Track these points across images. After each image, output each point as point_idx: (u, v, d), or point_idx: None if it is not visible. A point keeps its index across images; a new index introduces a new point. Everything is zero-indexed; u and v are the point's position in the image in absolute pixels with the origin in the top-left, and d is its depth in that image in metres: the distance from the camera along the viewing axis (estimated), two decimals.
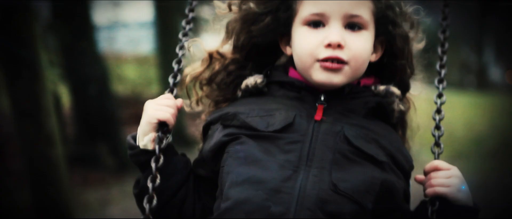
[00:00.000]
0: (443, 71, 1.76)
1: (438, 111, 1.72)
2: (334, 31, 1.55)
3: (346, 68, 1.56)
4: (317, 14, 1.58)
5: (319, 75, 1.57)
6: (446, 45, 1.78)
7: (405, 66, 1.67)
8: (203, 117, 1.81)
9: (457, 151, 9.49)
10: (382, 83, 1.66)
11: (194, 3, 1.85)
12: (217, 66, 1.74)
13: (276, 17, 1.64)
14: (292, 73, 1.65)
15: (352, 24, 1.58)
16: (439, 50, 1.78)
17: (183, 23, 1.84)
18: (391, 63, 1.67)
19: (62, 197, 5.54)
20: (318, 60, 1.56)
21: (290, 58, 1.67)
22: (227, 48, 1.74)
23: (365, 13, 1.59)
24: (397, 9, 1.64)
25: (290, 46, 1.66)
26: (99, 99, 8.81)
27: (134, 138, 1.68)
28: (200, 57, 1.80)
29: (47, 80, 5.87)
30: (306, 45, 1.58)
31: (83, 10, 8.85)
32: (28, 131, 5.30)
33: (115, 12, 14.69)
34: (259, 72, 1.70)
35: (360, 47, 1.57)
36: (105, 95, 8.95)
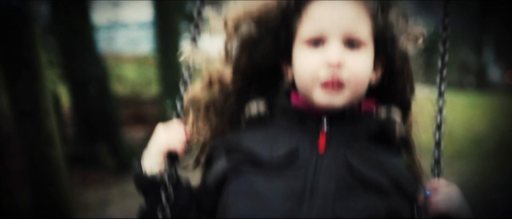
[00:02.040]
0: (444, 71, 1.74)
1: (440, 111, 1.70)
2: (334, 50, 1.54)
3: (346, 89, 1.55)
4: (316, 33, 1.56)
5: (321, 97, 1.55)
6: (447, 43, 1.76)
7: (405, 85, 1.66)
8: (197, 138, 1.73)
9: (457, 151, 9.50)
10: (383, 103, 1.65)
11: (200, 19, 1.79)
12: (216, 88, 1.68)
13: (277, 39, 1.62)
14: (294, 98, 1.63)
15: (352, 42, 1.56)
16: (441, 48, 1.76)
17: (190, 40, 1.77)
18: (391, 83, 1.66)
19: (62, 197, 5.55)
20: (319, 82, 1.55)
21: (292, 79, 1.64)
22: (226, 69, 1.68)
23: (364, 31, 1.57)
24: (396, 27, 1.62)
25: (291, 67, 1.64)
26: (98, 100, 8.82)
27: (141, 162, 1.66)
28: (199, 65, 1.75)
29: (46, 80, 5.87)
30: (306, 66, 1.57)
31: (82, 10, 8.86)
32: (28, 131, 5.31)
33: (115, 12, 14.70)
34: (261, 95, 1.66)
35: (359, 66, 1.56)
36: (104, 95, 8.96)
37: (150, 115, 11.54)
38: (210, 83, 1.68)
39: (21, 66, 5.26)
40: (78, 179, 7.57)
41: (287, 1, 1.61)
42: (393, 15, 1.61)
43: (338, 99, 1.55)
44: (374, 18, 1.59)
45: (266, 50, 1.62)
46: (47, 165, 5.42)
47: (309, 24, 1.58)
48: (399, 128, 1.61)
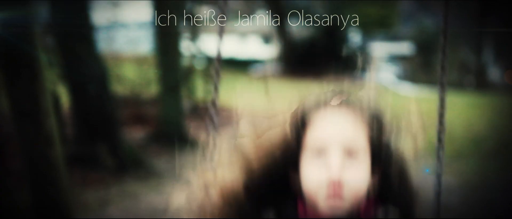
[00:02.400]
0: (445, 64, 1.76)
1: (442, 102, 1.73)
2: (334, 164, 1.63)
3: (347, 199, 1.64)
4: (319, 144, 1.66)
5: (324, 208, 1.65)
6: (448, 38, 1.78)
7: (404, 193, 1.72)
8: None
9: (456, 151, 9.51)
10: (383, 202, 1.71)
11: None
12: (229, 199, 1.75)
13: (287, 156, 1.73)
14: (300, 209, 1.73)
15: (351, 152, 1.66)
16: (442, 41, 1.78)
17: (212, 95, 1.86)
18: (388, 189, 1.73)
19: (62, 197, 5.55)
20: (323, 195, 1.64)
21: (299, 186, 1.72)
22: (239, 180, 1.76)
23: (362, 141, 1.67)
24: (390, 142, 1.69)
25: (298, 174, 1.72)
26: (98, 100, 8.82)
27: None
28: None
29: (46, 80, 5.88)
30: (311, 178, 1.67)
31: (82, 10, 8.86)
32: (27, 131, 5.31)
33: (115, 12, 14.71)
34: (270, 204, 1.75)
35: (358, 177, 1.65)
36: (104, 95, 8.96)
37: (150, 115, 11.56)
38: (223, 195, 1.74)
39: (21, 66, 5.26)
40: (78, 179, 7.57)
41: (296, 121, 1.71)
42: (387, 131, 1.70)
43: (340, 209, 1.64)
44: (370, 130, 1.68)
45: (279, 168, 1.74)
46: (47, 165, 5.43)
47: (312, 135, 1.68)
48: None
